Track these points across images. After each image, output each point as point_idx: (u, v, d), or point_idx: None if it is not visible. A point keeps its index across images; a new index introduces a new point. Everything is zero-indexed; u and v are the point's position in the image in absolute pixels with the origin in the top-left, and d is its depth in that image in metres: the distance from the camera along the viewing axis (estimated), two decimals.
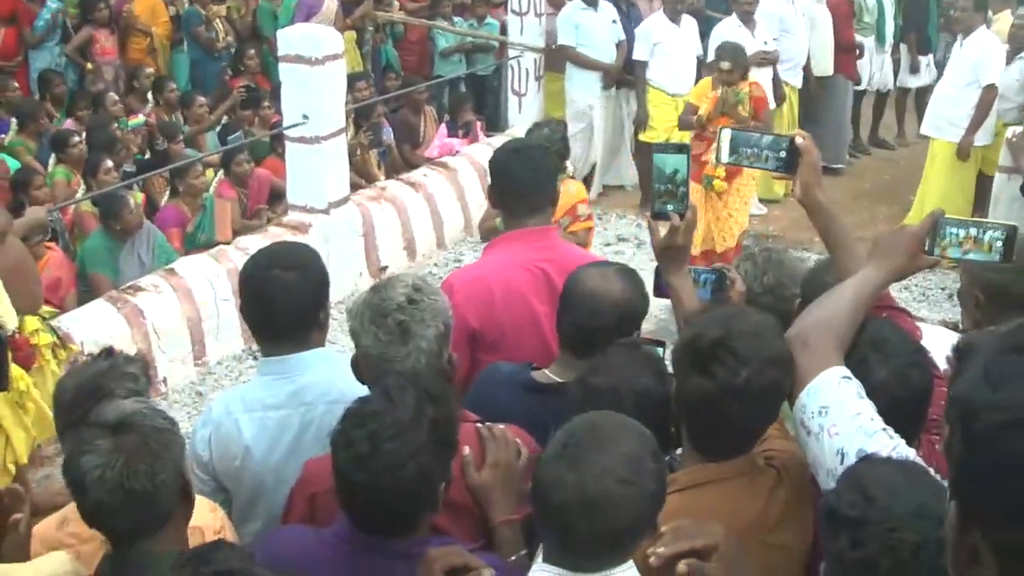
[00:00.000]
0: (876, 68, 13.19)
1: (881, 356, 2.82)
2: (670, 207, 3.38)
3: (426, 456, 2.66)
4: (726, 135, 3.21)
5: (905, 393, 2.81)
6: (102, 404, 2.88)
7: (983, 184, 10.44)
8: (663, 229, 3.41)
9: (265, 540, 3.07)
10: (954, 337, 3.72)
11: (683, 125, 9.97)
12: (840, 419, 2.59)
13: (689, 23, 11.40)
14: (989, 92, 10.10)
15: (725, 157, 3.22)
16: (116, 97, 11.07)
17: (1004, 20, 11.43)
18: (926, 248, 2.85)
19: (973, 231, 2.81)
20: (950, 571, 1.43)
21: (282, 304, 3.56)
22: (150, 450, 2.65)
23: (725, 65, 9.45)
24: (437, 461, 2.71)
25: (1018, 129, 9.28)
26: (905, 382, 2.81)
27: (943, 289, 9.69)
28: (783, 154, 3.14)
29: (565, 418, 2.63)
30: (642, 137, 11.40)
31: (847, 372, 2.68)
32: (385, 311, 3.13)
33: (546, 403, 3.36)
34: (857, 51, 12.64)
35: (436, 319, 3.17)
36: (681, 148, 3.49)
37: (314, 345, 3.63)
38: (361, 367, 3.22)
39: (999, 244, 2.79)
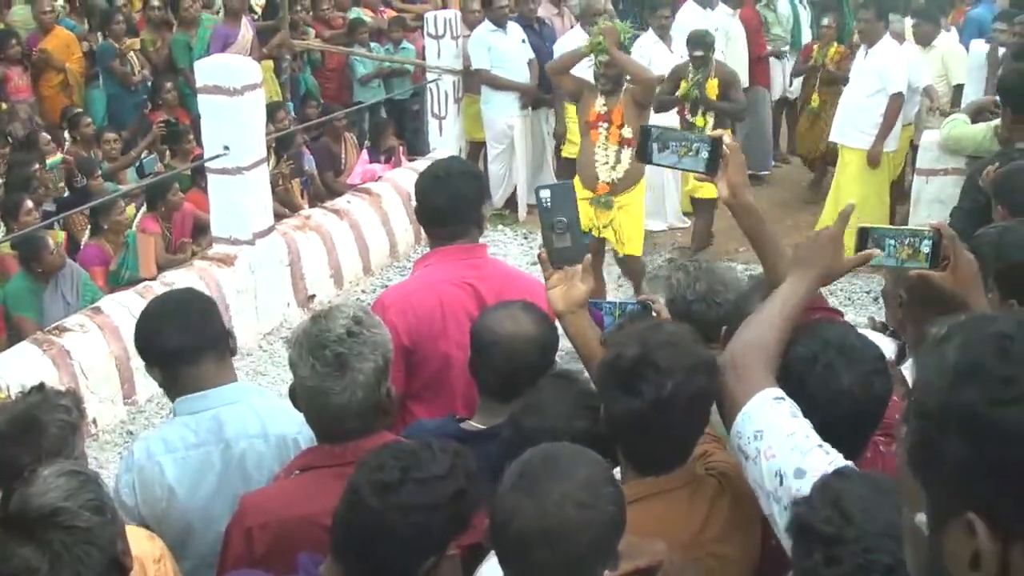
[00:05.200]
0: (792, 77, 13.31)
1: (846, 361, 2.80)
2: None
3: (439, 515, 2.58)
4: (652, 133, 3.14)
5: (867, 399, 2.81)
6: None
7: (891, 189, 10.65)
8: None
9: None
10: (881, 339, 3.76)
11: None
12: (775, 441, 2.57)
13: None
14: (895, 100, 10.24)
15: (654, 157, 3.15)
16: (48, 136, 10.88)
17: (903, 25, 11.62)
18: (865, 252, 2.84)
19: (908, 239, 2.82)
20: None
21: (197, 321, 3.60)
22: (74, 554, 2.49)
23: None
24: (442, 528, 2.60)
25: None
26: (868, 389, 2.80)
27: (868, 292, 9.79)
28: (706, 155, 3.06)
29: (501, 462, 2.60)
30: (564, 153, 11.46)
31: (779, 392, 2.66)
32: (324, 342, 3.10)
33: (477, 452, 3.34)
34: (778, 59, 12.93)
35: (375, 352, 3.14)
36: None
37: (228, 372, 3.63)
38: (299, 397, 3.20)
39: (927, 250, 2.81)
